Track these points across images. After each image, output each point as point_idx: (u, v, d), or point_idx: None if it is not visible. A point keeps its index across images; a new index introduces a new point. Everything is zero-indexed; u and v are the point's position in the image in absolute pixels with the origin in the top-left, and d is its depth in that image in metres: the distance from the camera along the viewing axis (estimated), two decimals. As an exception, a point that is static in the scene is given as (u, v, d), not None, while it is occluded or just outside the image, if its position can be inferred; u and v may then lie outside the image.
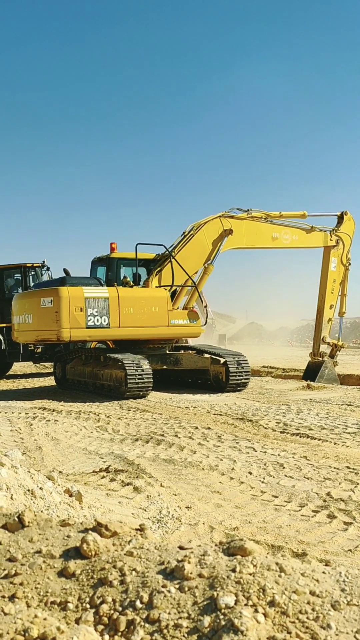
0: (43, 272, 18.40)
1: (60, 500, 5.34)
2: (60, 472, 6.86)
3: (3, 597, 1.54)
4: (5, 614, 1.45)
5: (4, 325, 17.62)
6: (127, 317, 13.14)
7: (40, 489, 5.28)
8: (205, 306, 15.15)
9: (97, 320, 12.80)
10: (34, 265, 18.16)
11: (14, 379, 18.70)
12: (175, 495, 5.63)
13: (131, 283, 14.03)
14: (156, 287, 13.91)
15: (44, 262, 18.38)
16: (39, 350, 17.87)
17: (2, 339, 17.58)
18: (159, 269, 14.20)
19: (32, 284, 17.72)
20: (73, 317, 12.52)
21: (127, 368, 12.31)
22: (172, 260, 14.06)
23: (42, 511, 4.84)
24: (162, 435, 8.49)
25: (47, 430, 9.19)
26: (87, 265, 15.33)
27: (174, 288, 14.08)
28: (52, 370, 19.17)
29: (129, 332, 13.37)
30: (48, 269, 18.67)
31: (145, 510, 5.33)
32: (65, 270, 14.20)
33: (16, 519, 1.83)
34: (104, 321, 12.89)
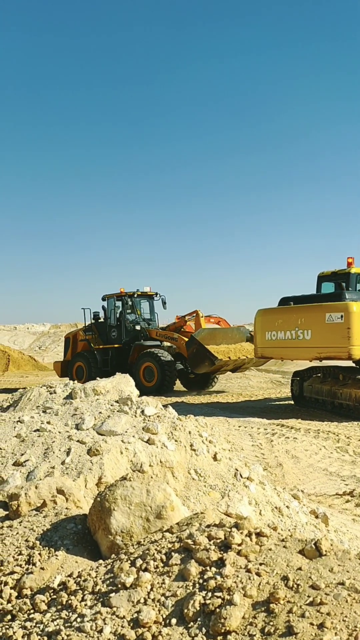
0: (136, 299, 20.31)
1: (306, 521, 5.31)
2: (301, 491, 6.83)
3: (311, 624, 1.57)
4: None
5: (108, 346, 19.80)
6: None
7: (287, 507, 5.30)
8: None
9: None
10: (129, 293, 20.11)
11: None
12: None
13: None
14: None
15: (137, 290, 20.27)
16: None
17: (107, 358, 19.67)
18: None
19: (128, 311, 19.79)
20: None
21: (367, 388, 11.82)
22: None
23: (288, 530, 4.86)
24: None
25: (287, 447, 9.23)
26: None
27: None
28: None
29: None
30: (157, 294, 20.57)
31: None
32: (339, 285, 14.07)
33: (313, 546, 1.85)
34: None
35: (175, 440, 5.10)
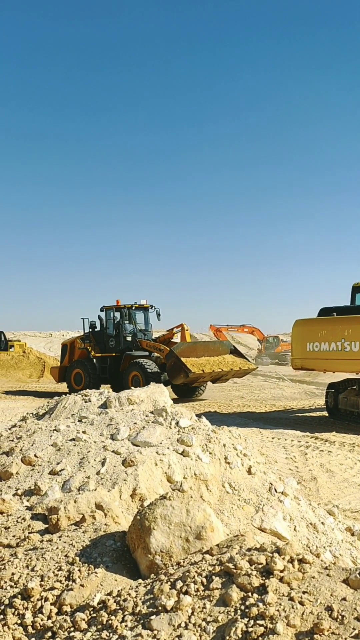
0: (133, 311, 21.15)
1: (342, 539, 5.22)
2: (336, 506, 6.72)
3: (358, 658, 1.53)
4: None
5: (106, 354, 20.48)
6: None
7: (322, 523, 5.22)
8: None
9: None
10: (127, 305, 21.07)
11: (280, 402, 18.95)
12: None
13: None
14: None
15: (135, 302, 21.18)
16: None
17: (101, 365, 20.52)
18: None
19: (126, 322, 20.56)
20: None
21: None
22: None
23: (324, 547, 4.78)
24: None
25: (322, 461, 9.10)
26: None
27: None
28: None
29: None
30: (152, 306, 21.45)
31: None
32: None
33: (358, 575, 1.81)
34: None
35: (210, 453, 5.07)
